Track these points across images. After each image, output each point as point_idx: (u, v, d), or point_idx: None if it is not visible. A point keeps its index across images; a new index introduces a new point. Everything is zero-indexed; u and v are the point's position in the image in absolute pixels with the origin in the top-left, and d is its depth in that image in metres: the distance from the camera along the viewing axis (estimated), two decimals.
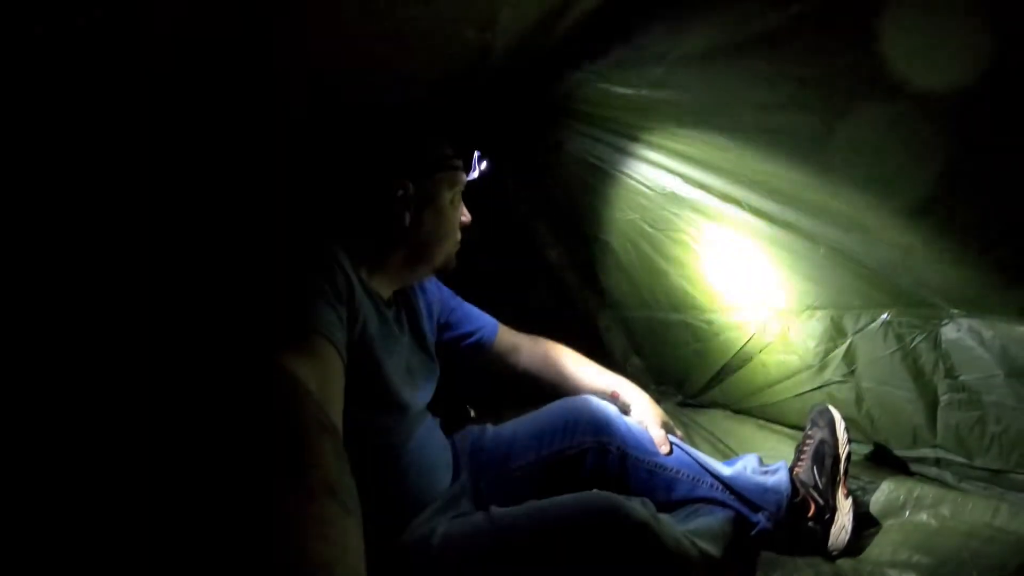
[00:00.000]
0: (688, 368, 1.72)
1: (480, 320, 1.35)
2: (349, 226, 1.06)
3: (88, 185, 0.90)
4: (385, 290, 1.09)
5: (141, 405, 0.91)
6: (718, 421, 1.59)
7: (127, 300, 0.96)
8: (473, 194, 1.18)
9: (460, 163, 1.13)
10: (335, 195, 1.10)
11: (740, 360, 1.54)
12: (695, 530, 1.06)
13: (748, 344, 1.49)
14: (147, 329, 0.96)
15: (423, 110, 1.05)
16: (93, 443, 0.89)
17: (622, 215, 1.56)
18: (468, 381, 1.39)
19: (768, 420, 1.55)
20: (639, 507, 0.97)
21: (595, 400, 1.26)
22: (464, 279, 1.25)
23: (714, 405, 1.70)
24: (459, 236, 1.14)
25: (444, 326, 1.29)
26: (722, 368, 1.60)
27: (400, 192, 1.05)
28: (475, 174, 1.20)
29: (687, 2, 1.00)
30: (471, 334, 1.32)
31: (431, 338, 1.22)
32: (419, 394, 1.11)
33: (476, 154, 1.19)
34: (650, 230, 1.50)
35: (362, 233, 1.05)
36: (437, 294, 1.29)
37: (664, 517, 1.02)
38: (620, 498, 0.97)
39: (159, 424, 0.89)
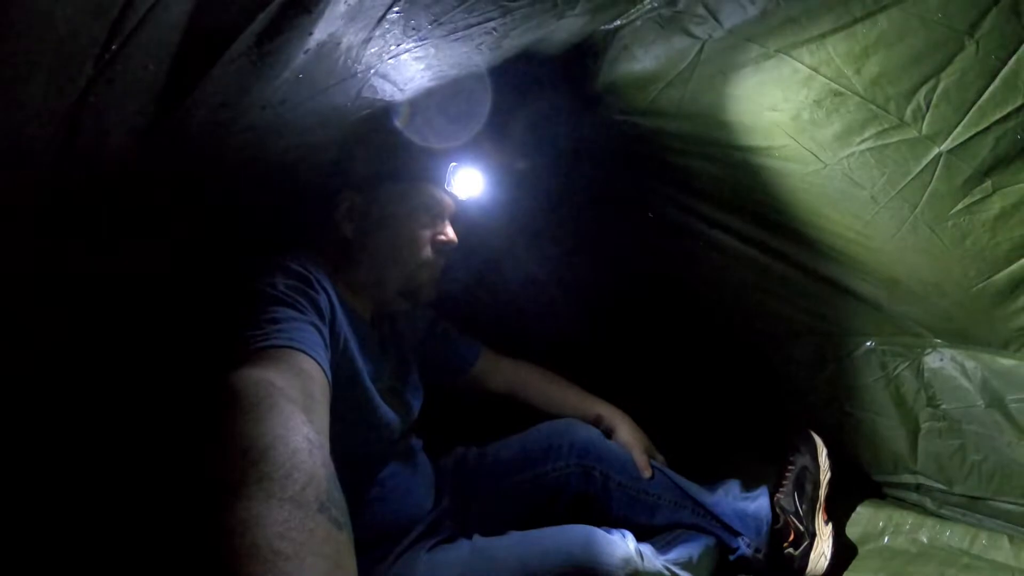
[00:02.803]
0: None
1: (462, 343, 1.34)
2: (314, 239, 1.05)
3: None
4: (365, 310, 1.08)
5: (129, 424, 0.91)
6: (701, 443, 1.59)
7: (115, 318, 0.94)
8: None
9: (420, 176, 1.09)
10: (296, 211, 1.09)
11: (723, 382, 1.54)
12: (676, 559, 1.08)
13: (731, 366, 1.49)
14: (133, 347, 0.95)
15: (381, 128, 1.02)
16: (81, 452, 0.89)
17: (612, 238, 1.55)
18: (455, 401, 1.38)
19: (750, 442, 1.54)
20: (620, 542, 0.98)
21: (579, 424, 1.26)
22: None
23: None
24: (426, 256, 1.08)
25: (426, 348, 1.28)
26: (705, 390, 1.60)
27: (344, 205, 1.04)
28: (452, 189, 1.14)
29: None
30: (452, 357, 1.32)
31: (415, 361, 1.22)
32: (401, 417, 1.11)
33: (452, 167, 1.13)
34: (637, 252, 1.49)
35: (324, 246, 1.04)
36: (421, 316, 1.28)
37: (645, 549, 1.03)
38: (601, 533, 0.98)
39: (145, 441, 0.89)
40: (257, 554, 0.48)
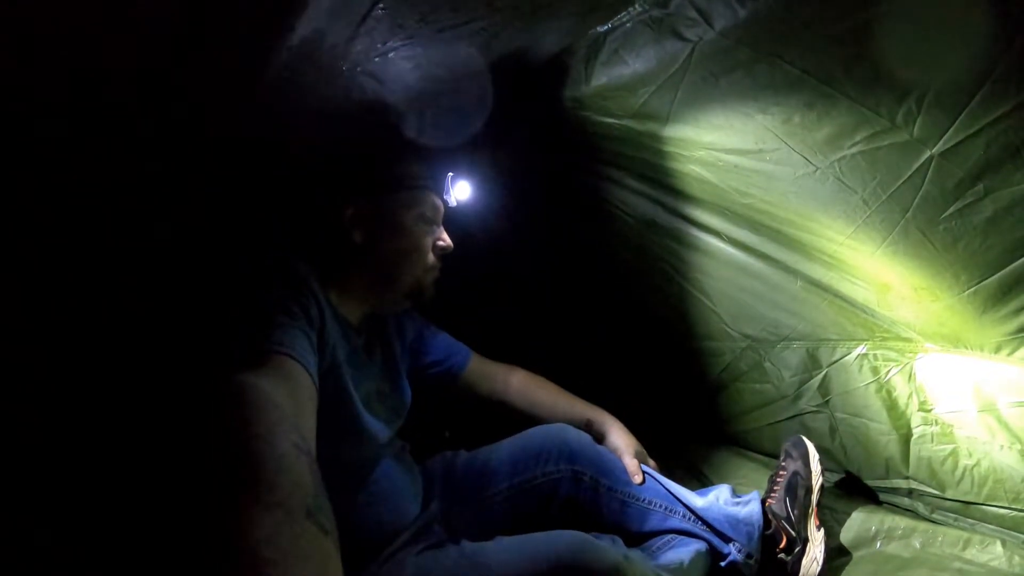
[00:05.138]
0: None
1: (451, 348, 1.33)
2: (310, 247, 1.05)
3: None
4: (354, 315, 1.08)
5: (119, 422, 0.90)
6: (692, 448, 1.59)
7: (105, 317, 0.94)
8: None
9: (423, 184, 1.11)
10: (295, 216, 1.09)
11: (715, 388, 1.53)
12: (666, 565, 1.06)
13: (723, 372, 1.49)
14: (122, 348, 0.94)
15: (383, 131, 1.01)
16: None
17: (603, 242, 1.55)
18: (445, 404, 1.37)
19: (742, 447, 1.55)
20: (609, 548, 0.97)
21: (569, 429, 1.25)
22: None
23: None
24: (431, 261, 1.11)
25: (415, 353, 1.27)
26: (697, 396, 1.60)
27: (350, 211, 1.05)
28: (450, 197, 1.16)
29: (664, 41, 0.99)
30: (441, 362, 1.31)
31: (403, 366, 1.21)
32: (388, 423, 1.10)
33: (450, 176, 1.15)
34: (629, 257, 1.49)
35: (322, 254, 1.04)
36: (410, 321, 1.27)
37: (635, 554, 1.02)
38: (590, 539, 0.97)
39: (134, 443, 0.88)
40: (243, 560, 0.48)
